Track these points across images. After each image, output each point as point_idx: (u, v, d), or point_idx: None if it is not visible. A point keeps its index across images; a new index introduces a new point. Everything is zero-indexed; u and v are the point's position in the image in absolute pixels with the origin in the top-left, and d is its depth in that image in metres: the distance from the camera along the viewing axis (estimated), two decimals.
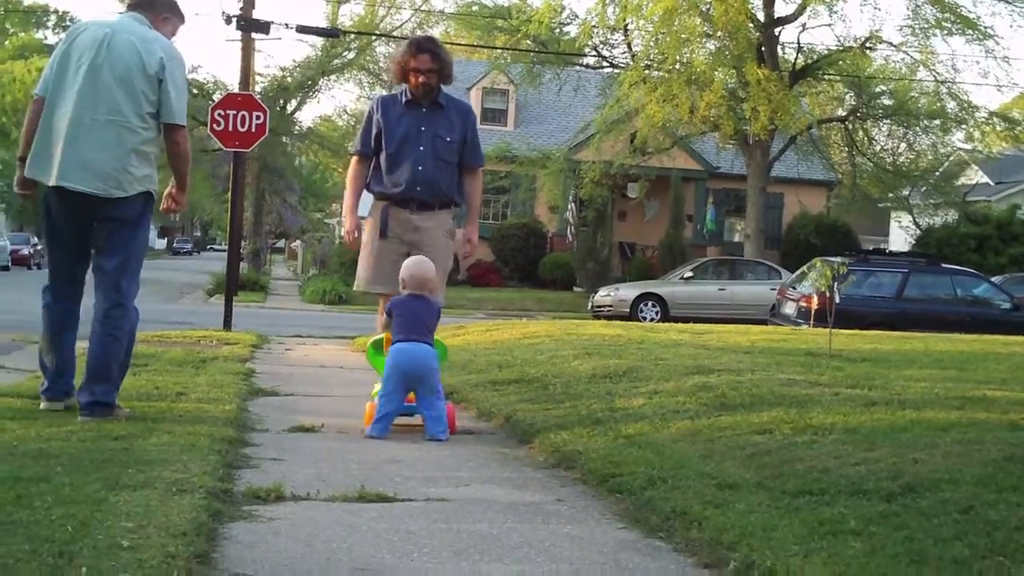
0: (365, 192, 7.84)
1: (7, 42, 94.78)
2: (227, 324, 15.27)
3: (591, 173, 34.41)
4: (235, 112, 15.17)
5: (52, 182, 6.61)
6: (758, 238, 33.30)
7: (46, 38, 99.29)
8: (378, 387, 6.96)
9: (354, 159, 7.86)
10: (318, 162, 56.71)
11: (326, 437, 6.62)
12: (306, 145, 49.80)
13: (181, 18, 7.17)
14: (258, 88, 39.25)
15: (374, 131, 7.68)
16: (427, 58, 7.60)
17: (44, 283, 7.06)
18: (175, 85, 6.67)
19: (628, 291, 30.67)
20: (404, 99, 7.70)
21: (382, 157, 7.65)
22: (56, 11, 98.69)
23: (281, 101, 43.44)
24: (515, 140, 39.42)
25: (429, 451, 6.29)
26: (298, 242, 68.67)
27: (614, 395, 7.81)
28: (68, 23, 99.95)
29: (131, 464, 5.05)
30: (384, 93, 8.04)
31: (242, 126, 15.18)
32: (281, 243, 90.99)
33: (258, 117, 15.23)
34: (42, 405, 6.77)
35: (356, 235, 7.73)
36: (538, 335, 12.54)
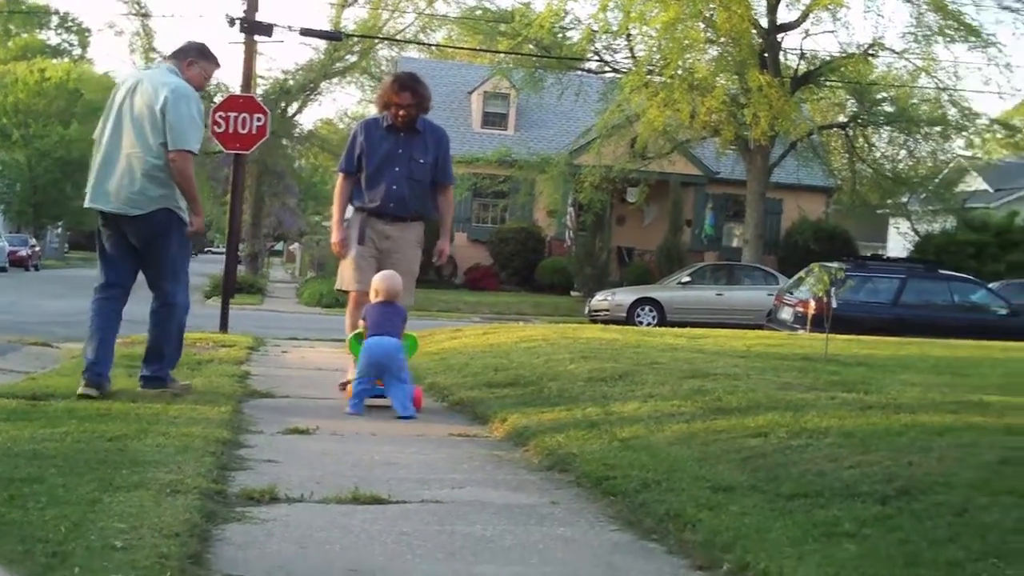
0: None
1: (10, 43, 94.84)
2: (223, 326, 15.25)
3: (591, 177, 34.45)
4: (236, 114, 15.16)
5: (87, 204, 8.01)
6: (756, 243, 33.32)
7: (48, 39, 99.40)
8: (355, 372, 8.08)
9: (340, 176, 8.93)
10: (318, 165, 56.65)
11: (321, 439, 6.62)
12: (306, 148, 49.76)
13: (210, 61, 8.31)
14: (259, 90, 39.28)
15: (357, 151, 8.73)
16: (408, 95, 8.58)
17: (96, 285, 8.07)
18: (177, 116, 7.75)
19: (625, 295, 30.69)
20: (385, 123, 8.71)
21: (363, 175, 8.71)
22: (57, 12, 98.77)
23: (282, 104, 43.41)
24: (515, 144, 39.47)
25: (424, 453, 6.29)
26: (296, 245, 68.61)
27: (610, 398, 7.80)
28: (70, 23, 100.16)
29: (125, 465, 5.05)
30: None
31: (243, 128, 15.17)
32: (279, 246, 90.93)
33: (259, 119, 15.22)
34: (79, 390, 7.53)
35: (343, 245, 8.85)
36: (535, 339, 12.52)
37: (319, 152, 48.92)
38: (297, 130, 47.46)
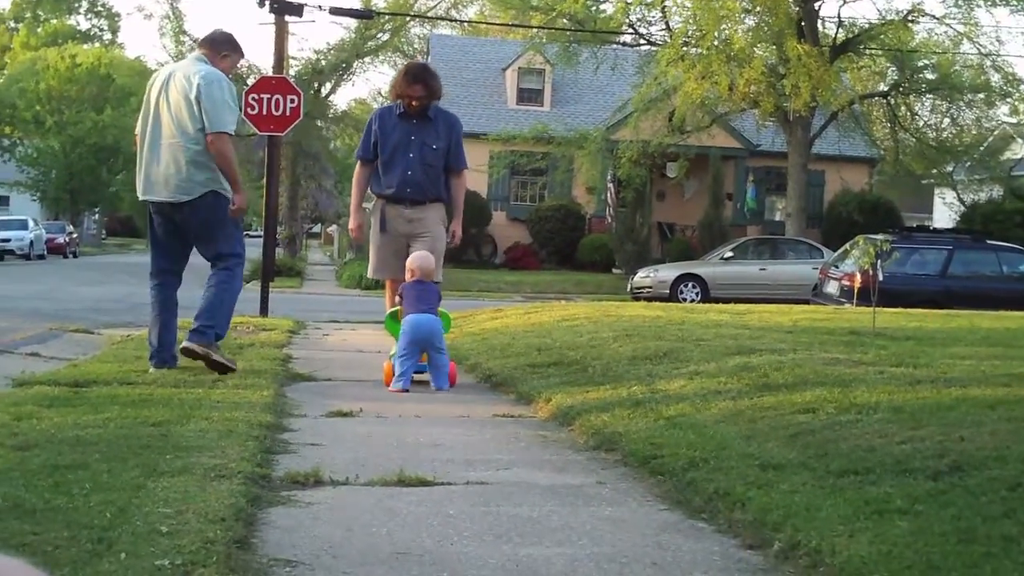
0: None
1: (40, 29, 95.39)
2: (264, 310, 15.34)
3: (629, 153, 34.33)
4: (269, 96, 15.20)
5: (141, 197, 8.51)
6: (799, 216, 33.14)
7: (78, 24, 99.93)
8: (395, 349, 8.49)
9: (358, 163, 9.40)
10: (354, 146, 56.69)
11: (364, 421, 6.65)
12: (341, 129, 49.83)
13: (238, 52, 8.85)
14: (292, 71, 39.32)
15: (372, 139, 9.16)
16: (420, 87, 8.98)
17: (150, 271, 8.63)
18: (211, 101, 8.22)
19: (668, 272, 30.63)
20: (398, 111, 9.12)
21: (379, 162, 9.14)
22: None
23: (315, 84, 43.51)
24: (552, 120, 39.31)
25: (468, 435, 6.30)
26: (334, 227, 68.65)
27: (655, 377, 7.79)
28: (100, 8, 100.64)
29: (169, 450, 5.08)
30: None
31: (276, 110, 15.21)
32: (317, 228, 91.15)
33: (292, 100, 15.25)
34: (150, 370, 8.16)
35: (359, 232, 9.48)
36: (577, 318, 12.53)
37: (354, 133, 48.86)
38: (331, 111, 47.57)
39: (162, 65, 8.39)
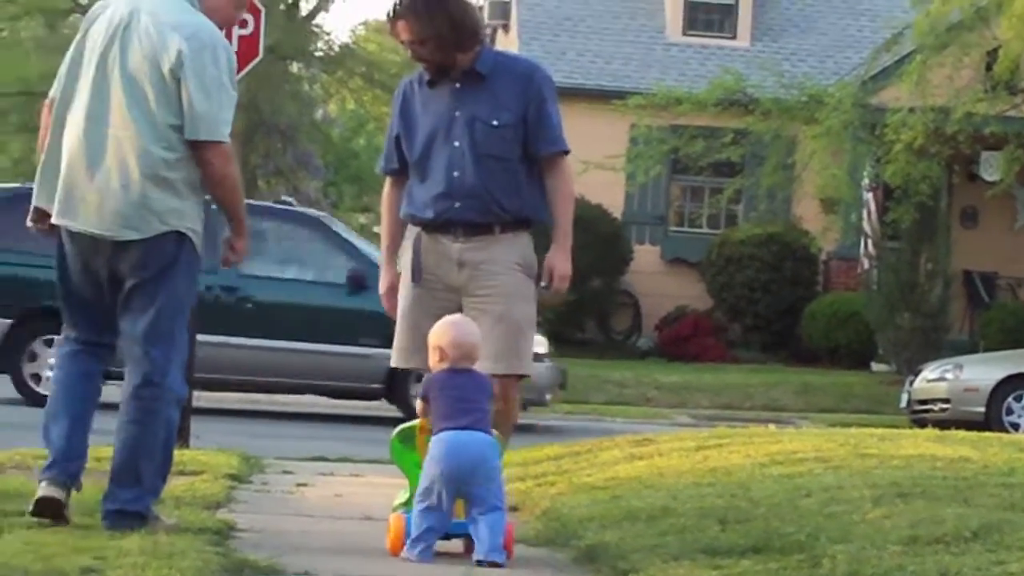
0: None
1: None
2: (181, 432, 15.34)
3: (908, 132, 34.08)
4: None
5: (54, 218, 8.98)
6: None
7: None
8: (405, 495, 9.16)
9: (387, 181, 10.05)
10: (363, 112, 57.27)
11: None
12: (338, 78, 50.14)
13: None
14: None
15: (395, 131, 9.79)
16: (403, 26, 9.41)
17: (63, 334, 9.34)
18: (201, 86, 8.71)
19: (982, 371, 30.59)
20: (426, 78, 9.64)
21: (410, 169, 9.67)
22: None
23: None
24: (752, 66, 39.35)
25: None
26: None
27: None
28: None
29: None
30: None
31: None
32: None
33: (244, 25, 15.37)
34: (39, 492, 8.81)
35: (391, 299, 9.79)
36: (800, 458, 12.55)
37: (364, 87, 49.31)
38: (321, 43, 47.97)
39: None
